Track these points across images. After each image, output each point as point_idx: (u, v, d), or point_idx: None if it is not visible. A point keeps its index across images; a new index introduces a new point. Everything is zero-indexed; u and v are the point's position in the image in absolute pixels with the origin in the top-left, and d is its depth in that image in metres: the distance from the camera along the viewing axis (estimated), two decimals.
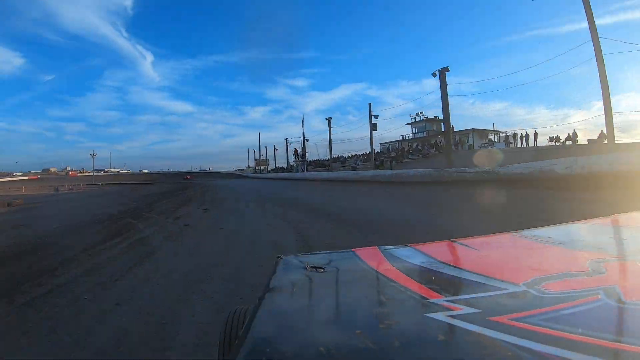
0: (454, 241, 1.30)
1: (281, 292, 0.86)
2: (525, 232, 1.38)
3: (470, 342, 0.60)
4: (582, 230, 1.43)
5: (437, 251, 1.18)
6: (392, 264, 1.04)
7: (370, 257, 1.11)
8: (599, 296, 0.72)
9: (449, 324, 0.65)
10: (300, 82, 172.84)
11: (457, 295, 0.81)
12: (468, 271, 0.96)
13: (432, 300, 0.77)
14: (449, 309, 0.71)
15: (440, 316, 0.68)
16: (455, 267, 1.01)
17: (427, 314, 0.69)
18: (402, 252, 1.16)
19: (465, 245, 1.27)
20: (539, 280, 0.82)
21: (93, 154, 65.81)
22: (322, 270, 1.00)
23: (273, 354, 0.59)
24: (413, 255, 1.12)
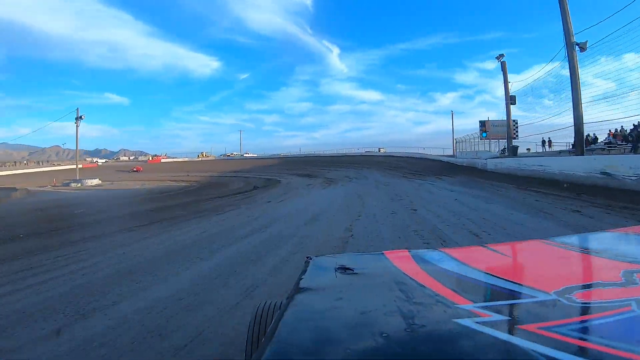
0: (485, 246, 1.30)
1: (310, 292, 0.88)
2: (556, 239, 1.35)
3: (498, 350, 0.61)
4: (614, 239, 1.39)
5: (467, 256, 1.18)
6: (421, 268, 1.05)
7: (400, 260, 1.13)
8: (631, 307, 0.71)
9: (477, 330, 0.66)
10: (489, 65, 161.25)
11: (487, 301, 0.82)
12: (498, 277, 0.96)
13: (460, 305, 0.78)
14: (477, 315, 0.72)
15: (468, 322, 0.69)
16: (485, 273, 1.01)
17: (455, 320, 0.70)
18: (432, 255, 1.17)
19: (496, 251, 1.26)
20: (569, 289, 0.82)
21: (240, 135, 72.88)
22: (352, 272, 1.02)
23: (299, 354, 0.61)
24: (443, 260, 1.13)
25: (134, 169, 50.45)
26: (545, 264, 1.16)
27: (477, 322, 0.69)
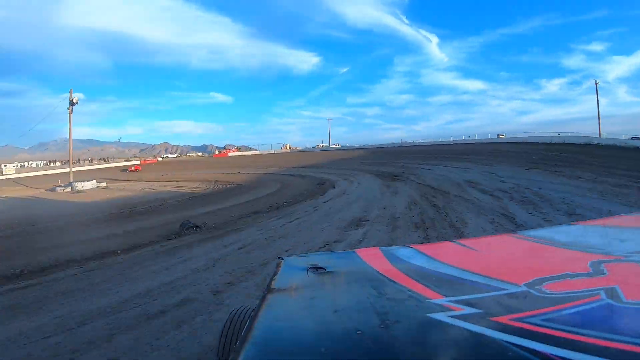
0: (455, 242, 1.31)
1: (282, 293, 0.87)
2: (525, 233, 1.38)
3: (471, 342, 0.60)
4: (582, 231, 1.43)
5: (437, 252, 1.19)
6: (393, 265, 1.04)
7: (372, 257, 1.12)
8: (600, 296, 0.72)
9: (450, 324, 0.66)
10: (597, 47, 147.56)
11: (458, 295, 0.81)
12: (469, 272, 0.96)
13: (433, 300, 0.77)
14: (450, 309, 0.72)
15: (441, 316, 0.68)
16: (456, 267, 1.01)
17: (428, 314, 0.70)
18: (403, 252, 1.16)
19: (466, 246, 1.27)
20: (539, 281, 0.82)
21: (329, 125, 58.84)
22: (324, 271, 1.00)
23: (274, 354, 0.59)
24: (414, 256, 1.13)
25: (131, 169, 41.52)
26: (515, 258, 1.17)
27: (449, 316, 0.69)
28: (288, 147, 55.43)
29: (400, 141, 46.52)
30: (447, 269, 1.01)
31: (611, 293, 0.74)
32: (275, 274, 1.01)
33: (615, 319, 0.66)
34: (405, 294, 0.84)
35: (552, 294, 0.76)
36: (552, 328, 0.61)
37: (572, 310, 0.68)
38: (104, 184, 24.99)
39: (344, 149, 45.72)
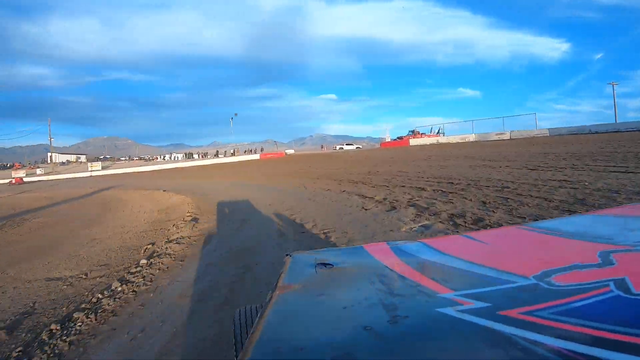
0: (463, 235, 1.31)
1: (291, 290, 0.87)
2: (534, 225, 1.37)
3: (480, 336, 0.60)
4: (591, 221, 1.42)
5: (446, 246, 1.19)
6: (401, 259, 1.04)
7: (380, 252, 1.12)
8: (609, 287, 0.72)
9: (459, 318, 0.66)
10: None
11: (467, 289, 0.81)
12: (477, 265, 0.96)
13: (442, 294, 0.78)
14: (459, 304, 0.72)
15: (450, 311, 0.69)
16: (464, 261, 1.02)
17: (437, 309, 0.70)
18: (411, 247, 1.17)
19: (474, 239, 1.27)
20: (548, 273, 0.82)
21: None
22: (332, 267, 1.00)
23: (284, 352, 0.60)
24: (422, 251, 1.13)
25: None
26: (523, 250, 1.17)
27: (458, 311, 0.69)
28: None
29: None
30: (455, 262, 1.01)
31: (621, 284, 0.73)
32: (283, 270, 1.01)
33: (625, 311, 0.65)
34: (413, 289, 0.84)
35: (561, 286, 0.76)
36: (562, 321, 0.61)
37: (582, 303, 0.68)
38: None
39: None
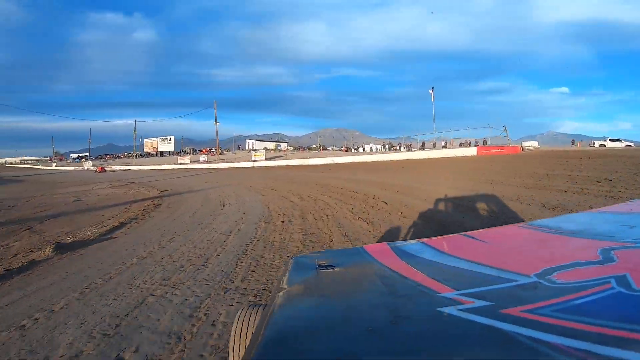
0: (463, 235, 1.31)
1: (293, 292, 0.87)
2: (534, 223, 1.37)
3: (482, 335, 0.60)
4: (591, 218, 1.42)
5: (446, 245, 1.19)
6: (402, 260, 1.04)
7: (380, 253, 1.12)
8: (611, 284, 0.72)
9: (460, 317, 0.66)
10: None
11: (468, 288, 0.81)
12: (478, 264, 0.96)
13: (443, 294, 0.78)
14: (460, 303, 0.72)
15: (451, 310, 0.69)
16: (465, 260, 1.01)
17: (439, 309, 0.70)
18: (411, 247, 1.16)
19: (474, 238, 1.27)
20: (549, 271, 0.82)
21: None
22: (333, 269, 1.00)
23: (287, 353, 0.60)
24: (423, 250, 1.13)
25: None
26: (524, 248, 1.17)
27: (460, 310, 0.69)
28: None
29: None
30: (456, 261, 1.01)
31: (622, 281, 0.73)
32: (285, 273, 1.01)
33: (627, 307, 0.65)
34: (415, 288, 0.84)
35: (563, 283, 0.76)
36: (564, 319, 0.61)
37: (583, 300, 0.68)
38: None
39: None
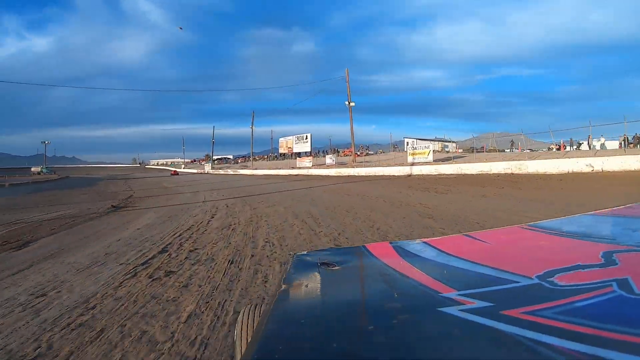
0: (466, 235, 1.30)
1: (294, 290, 0.87)
2: (536, 225, 1.37)
3: (483, 336, 0.60)
4: (593, 221, 1.42)
5: (448, 245, 1.19)
6: (404, 259, 1.04)
7: (382, 252, 1.12)
8: (612, 288, 0.72)
9: (461, 318, 0.66)
10: None
11: (470, 289, 0.81)
12: (480, 265, 0.96)
13: (444, 294, 0.78)
14: (461, 303, 0.72)
15: (453, 310, 0.69)
16: (467, 260, 1.01)
17: (440, 309, 0.70)
18: (413, 247, 1.16)
19: (477, 239, 1.27)
20: (551, 273, 0.82)
21: None
22: (335, 267, 1.01)
23: (287, 351, 0.60)
24: (425, 250, 1.13)
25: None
26: (526, 249, 1.17)
27: (461, 310, 0.69)
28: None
29: None
30: (458, 262, 1.01)
31: (623, 284, 0.73)
32: (286, 270, 1.02)
33: (628, 311, 0.65)
34: (416, 288, 0.84)
35: (564, 286, 0.76)
36: (565, 321, 0.61)
37: (585, 303, 0.68)
38: None
39: None
